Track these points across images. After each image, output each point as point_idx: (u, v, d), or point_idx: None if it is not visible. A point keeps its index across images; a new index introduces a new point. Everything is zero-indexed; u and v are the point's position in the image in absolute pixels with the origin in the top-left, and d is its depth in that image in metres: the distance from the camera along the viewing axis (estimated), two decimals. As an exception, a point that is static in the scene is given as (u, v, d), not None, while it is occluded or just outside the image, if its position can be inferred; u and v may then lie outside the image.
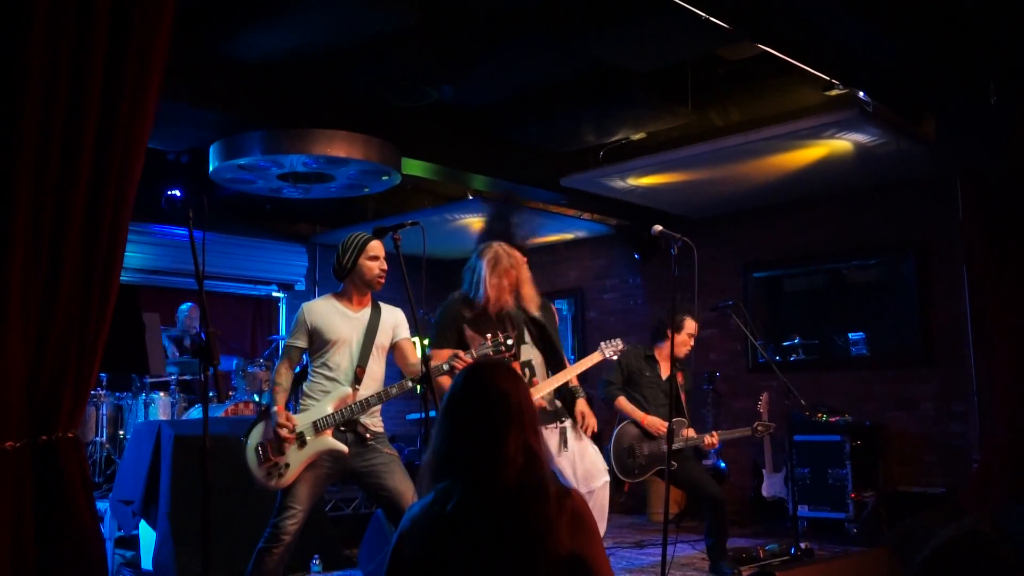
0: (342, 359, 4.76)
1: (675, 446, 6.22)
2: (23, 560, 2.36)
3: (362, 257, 4.77)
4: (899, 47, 5.99)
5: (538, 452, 2.40)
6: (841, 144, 7.45)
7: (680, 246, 5.35)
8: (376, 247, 4.79)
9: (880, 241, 8.95)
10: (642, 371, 6.56)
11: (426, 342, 5.29)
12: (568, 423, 5.62)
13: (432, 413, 4.60)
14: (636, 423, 6.39)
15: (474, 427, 2.39)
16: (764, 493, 8.60)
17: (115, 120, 2.54)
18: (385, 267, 4.81)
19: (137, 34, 2.59)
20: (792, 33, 5.82)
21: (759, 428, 6.67)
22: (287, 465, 4.57)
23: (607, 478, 5.69)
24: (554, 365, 5.62)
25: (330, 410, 4.66)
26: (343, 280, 4.85)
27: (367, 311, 4.87)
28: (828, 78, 6.49)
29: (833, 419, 8.45)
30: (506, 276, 5.40)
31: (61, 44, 2.39)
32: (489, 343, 4.86)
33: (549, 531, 2.31)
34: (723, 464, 9.17)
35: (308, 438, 4.60)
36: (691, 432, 6.25)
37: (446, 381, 4.76)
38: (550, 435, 5.54)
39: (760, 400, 8.63)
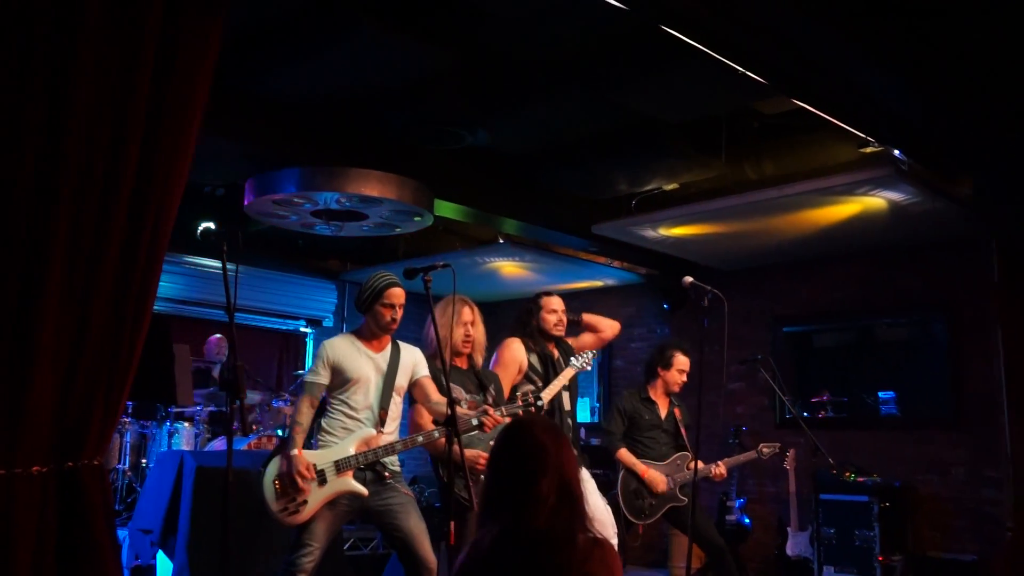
0: (363, 398, 4.76)
1: (683, 480, 6.31)
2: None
3: (377, 303, 4.79)
4: (936, 106, 5.98)
5: (572, 501, 2.59)
6: (875, 201, 7.41)
7: (711, 298, 5.34)
8: (393, 295, 4.80)
9: (912, 300, 8.87)
10: (641, 415, 6.53)
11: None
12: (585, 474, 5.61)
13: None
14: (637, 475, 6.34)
15: (511, 476, 2.62)
16: (789, 552, 8.47)
17: (155, 156, 2.57)
18: (398, 316, 4.82)
19: (180, 73, 2.62)
20: (828, 89, 5.81)
21: (764, 450, 6.64)
22: (305, 502, 4.55)
23: (615, 540, 5.65)
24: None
25: (352, 451, 4.64)
26: (363, 315, 4.88)
27: (387, 351, 4.89)
28: (863, 135, 6.48)
29: (861, 479, 8.33)
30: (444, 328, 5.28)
31: (106, 83, 2.43)
32: (520, 400, 4.88)
33: (571, 572, 2.43)
34: (747, 520, 9.06)
35: (329, 477, 4.58)
36: (699, 464, 6.14)
37: (440, 444, 4.73)
38: None
39: (787, 456, 8.54)
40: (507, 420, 4.80)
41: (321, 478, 4.57)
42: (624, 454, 6.43)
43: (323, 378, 4.74)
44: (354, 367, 4.75)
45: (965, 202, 7.43)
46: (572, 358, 5.70)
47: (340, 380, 4.75)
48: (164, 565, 6.54)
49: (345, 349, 4.80)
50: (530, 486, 2.55)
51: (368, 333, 4.87)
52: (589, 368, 5.78)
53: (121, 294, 2.52)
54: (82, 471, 2.46)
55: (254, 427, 8.69)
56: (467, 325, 5.36)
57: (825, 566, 7.97)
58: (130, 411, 8.31)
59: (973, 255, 8.32)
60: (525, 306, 6.02)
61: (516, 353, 5.72)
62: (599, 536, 2.59)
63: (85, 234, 2.42)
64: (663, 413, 6.56)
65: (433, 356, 5.16)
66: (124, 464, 8.15)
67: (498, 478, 2.67)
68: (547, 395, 5.35)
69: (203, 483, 6.23)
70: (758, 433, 9.61)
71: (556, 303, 5.92)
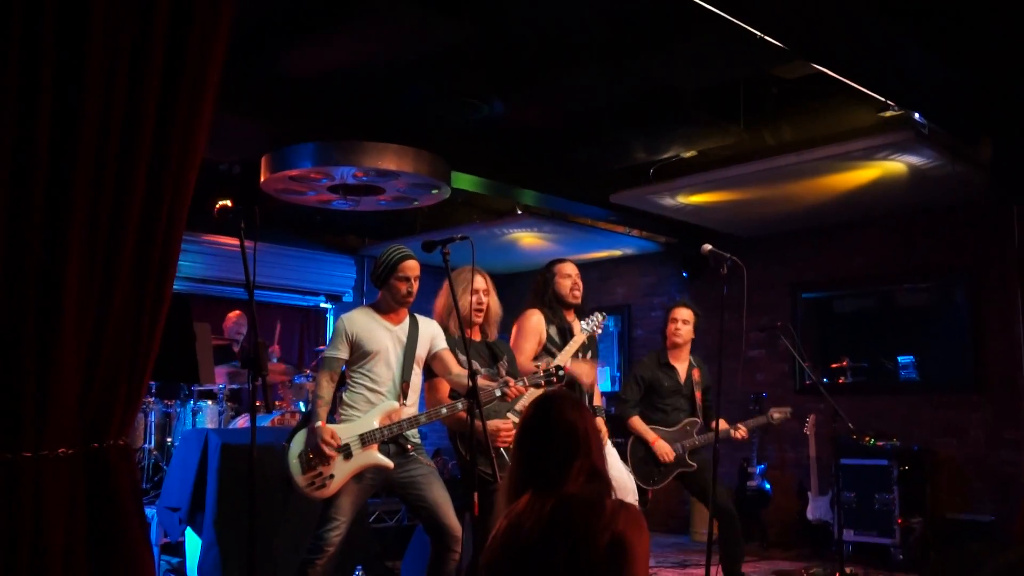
0: (383, 371, 4.77)
1: (692, 446, 6.32)
2: (74, 564, 2.39)
3: (392, 276, 4.78)
4: (956, 70, 5.92)
5: (599, 474, 2.66)
6: (895, 166, 7.36)
7: (730, 265, 5.33)
8: (408, 267, 4.79)
9: (932, 265, 8.83)
10: (660, 381, 6.49)
11: (581, 323, 5.61)
12: None
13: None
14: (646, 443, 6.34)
15: (544, 455, 2.66)
16: (809, 516, 8.50)
17: (170, 135, 2.57)
18: (414, 289, 4.81)
19: (192, 50, 2.62)
20: (847, 53, 5.76)
21: (774, 415, 6.65)
22: (331, 476, 4.58)
23: (635, 501, 5.67)
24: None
25: (376, 424, 4.66)
26: (378, 289, 4.88)
27: (405, 324, 4.89)
28: (883, 99, 6.43)
29: (881, 443, 8.34)
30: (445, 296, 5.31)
31: (118, 61, 2.43)
32: (541, 372, 4.86)
33: (599, 525, 2.49)
34: (768, 486, 9.08)
35: (354, 451, 4.60)
36: (723, 423, 6.09)
37: (462, 417, 4.71)
38: None
39: (807, 422, 8.55)
40: (529, 390, 4.81)
41: (346, 452, 4.59)
42: (635, 422, 6.42)
43: (342, 352, 4.75)
44: (373, 339, 4.76)
45: (986, 166, 7.38)
46: (582, 323, 5.68)
47: (360, 353, 4.76)
48: (192, 541, 6.61)
49: (364, 322, 4.81)
50: (563, 470, 2.60)
51: (385, 307, 4.87)
52: (600, 331, 5.73)
53: (140, 274, 2.53)
54: (108, 451, 2.48)
55: (277, 404, 8.75)
56: (479, 293, 5.32)
57: (845, 529, 7.98)
58: (153, 391, 8.36)
59: (994, 219, 8.28)
60: (539, 276, 6.00)
61: (536, 324, 5.70)
62: (625, 501, 2.63)
63: (103, 215, 2.43)
64: (682, 377, 6.52)
65: (442, 326, 5.18)
66: (149, 444, 8.22)
67: (529, 457, 2.71)
68: (562, 361, 5.35)
69: (228, 460, 6.28)
70: (778, 400, 9.60)
71: (570, 268, 5.90)
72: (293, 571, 4.67)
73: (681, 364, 6.55)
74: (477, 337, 5.36)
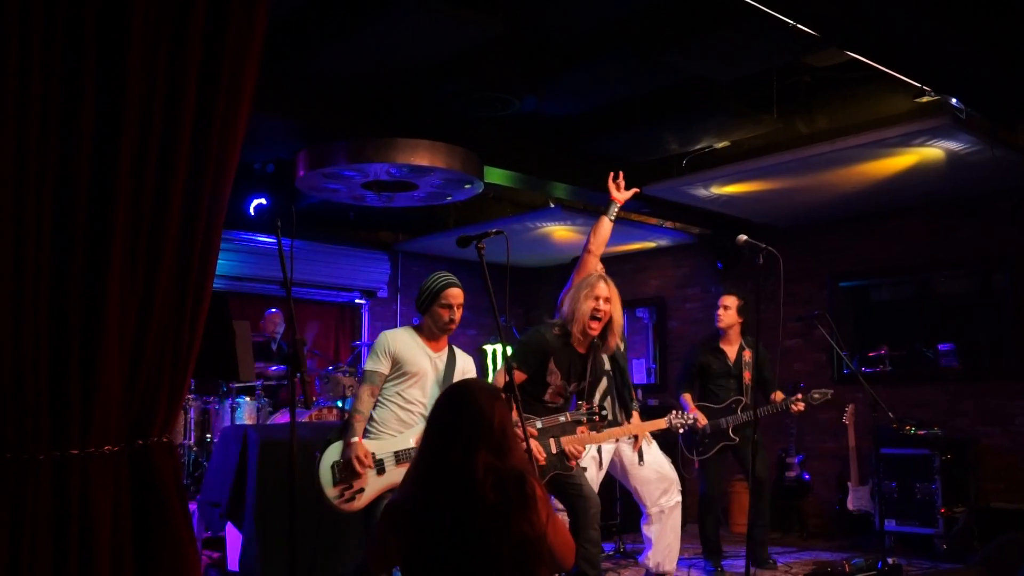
0: (419, 393, 4.77)
1: (736, 421, 6.81)
2: (122, 560, 2.42)
3: (435, 303, 4.78)
4: (993, 53, 5.85)
5: (510, 466, 2.79)
6: (932, 152, 7.28)
7: (765, 255, 5.30)
8: (451, 295, 4.78)
9: (972, 252, 8.74)
10: (710, 365, 7.04)
11: (508, 349, 5.31)
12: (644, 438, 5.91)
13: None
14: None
15: (452, 436, 2.81)
16: (850, 506, 8.44)
17: (208, 134, 2.60)
18: (456, 317, 4.81)
19: (230, 49, 2.64)
20: (881, 40, 5.71)
21: (815, 395, 6.82)
22: (361, 490, 4.58)
23: (679, 497, 5.92)
24: (624, 405, 5.91)
25: (412, 444, 4.67)
26: (421, 315, 4.89)
27: (445, 354, 4.91)
28: (919, 85, 6.36)
29: (922, 432, 8.27)
30: (590, 301, 5.24)
31: (157, 64, 2.46)
32: (584, 411, 4.94)
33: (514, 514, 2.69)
34: (807, 476, 9.03)
35: (388, 467, 4.62)
36: (779, 395, 6.77)
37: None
38: (622, 446, 5.92)
39: (846, 412, 8.51)
40: (535, 433, 4.92)
41: (380, 467, 4.61)
42: (685, 397, 7.03)
43: (384, 367, 4.77)
44: (413, 360, 4.77)
45: (1024, 150, 7.30)
46: (672, 416, 5.91)
47: (397, 372, 4.78)
48: (234, 536, 6.67)
49: (406, 341, 4.83)
50: (468, 451, 2.75)
51: (427, 332, 4.88)
52: (681, 430, 6.01)
53: (181, 273, 2.56)
54: (153, 448, 2.51)
55: (314, 397, 8.80)
56: (599, 300, 5.21)
57: (887, 520, 7.94)
58: (193, 388, 8.45)
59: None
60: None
61: None
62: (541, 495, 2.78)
63: (144, 215, 2.46)
64: (731, 359, 7.01)
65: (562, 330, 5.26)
66: (190, 440, 8.30)
67: (436, 438, 2.87)
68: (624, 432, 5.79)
69: (267, 455, 6.33)
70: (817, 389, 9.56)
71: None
72: (333, 564, 4.71)
73: (731, 347, 7.06)
74: (583, 350, 5.29)
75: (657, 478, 5.95)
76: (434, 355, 4.84)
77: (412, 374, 4.76)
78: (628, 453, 5.96)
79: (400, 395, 4.76)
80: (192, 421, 8.38)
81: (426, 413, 4.77)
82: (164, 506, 2.52)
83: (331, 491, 4.59)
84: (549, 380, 5.12)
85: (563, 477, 5.06)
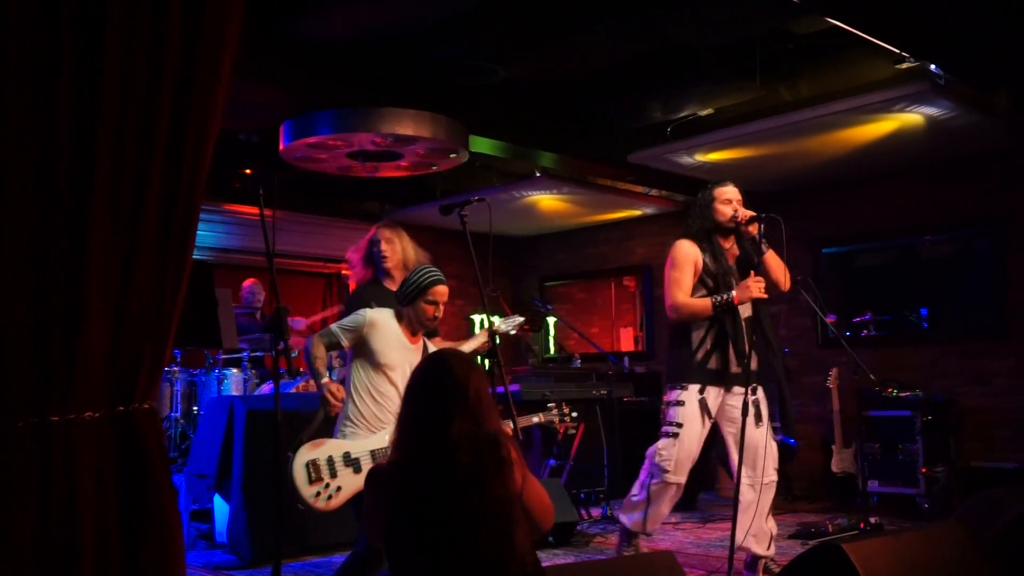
0: (390, 389, 4.60)
1: None
2: (106, 526, 2.45)
3: (421, 298, 4.60)
4: (970, 18, 5.88)
5: (489, 433, 2.85)
6: (912, 118, 7.33)
7: (766, 222, 5.36)
8: (439, 292, 4.62)
9: (954, 216, 8.81)
10: None
11: (494, 319, 5.32)
12: (760, 394, 5.50)
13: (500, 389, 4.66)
14: None
15: (429, 406, 2.89)
16: (834, 468, 8.54)
17: (189, 100, 2.60)
18: (440, 314, 4.67)
19: (210, 12, 2.64)
20: (861, 6, 5.73)
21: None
22: (338, 488, 4.43)
23: (775, 477, 5.60)
24: None
25: (388, 442, 4.54)
26: (403, 307, 4.69)
27: (420, 347, 4.74)
28: (898, 51, 6.39)
29: (904, 394, 8.35)
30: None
31: (137, 26, 2.46)
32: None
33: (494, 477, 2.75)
34: (792, 440, 9.11)
35: (364, 465, 4.47)
36: None
37: None
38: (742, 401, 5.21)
39: (830, 376, 8.59)
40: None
41: (356, 466, 4.46)
42: None
43: (347, 341, 4.60)
44: (388, 352, 4.61)
45: (1003, 115, 7.34)
46: (498, 321, 5.39)
47: (370, 360, 4.61)
48: (221, 508, 6.72)
49: (387, 329, 4.64)
50: (446, 419, 2.82)
51: (408, 323, 4.69)
52: (513, 332, 5.52)
53: (162, 238, 2.57)
54: (135, 414, 2.52)
55: (301, 368, 8.81)
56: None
57: (870, 480, 8.04)
58: (179, 360, 8.46)
59: (1015, 168, 8.26)
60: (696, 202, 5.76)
61: (688, 253, 5.55)
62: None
63: (125, 178, 2.47)
64: None
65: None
66: (176, 412, 8.33)
67: (414, 409, 2.95)
68: (469, 346, 5.23)
69: (254, 426, 6.38)
70: (801, 355, 9.64)
71: (731, 191, 5.59)
72: (320, 533, 4.68)
73: None
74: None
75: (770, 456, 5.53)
76: (411, 347, 4.66)
77: (385, 365, 4.59)
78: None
79: (374, 388, 4.60)
80: (179, 393, 8.41)
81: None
82: (148, 472, 2.54)
83: (307, 490, 4.37)
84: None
85: None
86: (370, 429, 4.58)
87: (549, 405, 5.25)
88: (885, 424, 8.19)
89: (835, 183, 9.46)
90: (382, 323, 4.64)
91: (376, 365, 4.60)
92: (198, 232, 2.78)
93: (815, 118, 7.34)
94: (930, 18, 5.95)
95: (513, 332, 5.50)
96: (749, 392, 5.26)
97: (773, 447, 5.50)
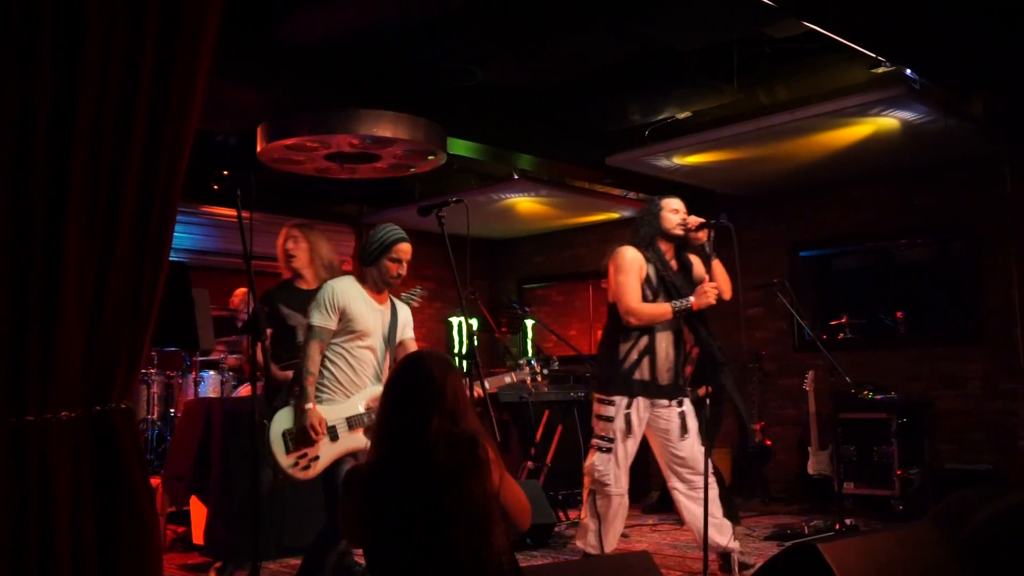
0: (367, 353, 4.64)
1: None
2: (82, 525, 2.44)
3: (385, 256, 4.62)
4: (946, 25, 5.93)
5: (466, 433, 2.86)
6: (888, 122, 7.38)
7: (722, 224, 5.36)
8: (401, 250, 4.64)
9: (929, 220, 8.88)
10: None
11: (472, 321, 5.31)
12: (687, 406, 5.54)
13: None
14: None
15: (405, 406, 2.91)
16: (810, 471, 8.58)
17: (166, 97, 2.60)
18: (404, 272, 4.69)
19: (188, 11, 2.64)
20: (838, 11, 5.77)
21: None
22: (316, 458, 4.48)
23: (711, 474, 5.35)
24: None
25: (362, 408, 4.57)
26: (365, 267, 4.72)
27: (388, 306, 4.77)
28: (875, 55, 6.44)
29: (879, 397, 8.41)
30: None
31: (115, 27, 2.46)
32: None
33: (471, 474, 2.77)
34: (769, 442, 9.16)
35: (340, 433, 4.52)
36: None
37: None
38: (670, 413, 5.45)
39: (806, 378, 8.62)
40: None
41: (332, 434, 4.50)
42: None
43: (331, 322, 4.58)
44: (362, 317, 4.61)
45: (978, 120, 7.40)
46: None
47: (346, 329, 4.60)
48: (199, 510, 6.68)
49: (354, 296, 4.63)
50: (421, 419, 2.84)
51: (372, 284, 4.70)
52: (416, 304, 5.46)
53: (139, 238, 2.57)
54: (112, 414, 2.53)
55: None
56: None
57: (845, 482, 8.08)
58: (156, 363, 8.42)
59: (990, 173, 8.33)
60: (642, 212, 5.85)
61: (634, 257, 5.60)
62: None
63: (101, 178, 2.47)
64: None
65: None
66: (153, 415, 8.28)
67: (392, 409, 2.95)
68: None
69: (231, 428, 6.35)
70: (777, 357, 9.68)
71: (677, 203, 5.68)
72: (298, 533, 4.69)
73: None
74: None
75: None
76: (380, 307, 4.69)
77: (361, 332, 4.60)
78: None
79: (348, 354, 4.61)
80: (156, 396, 8.36)
81: (377, 373, 4.70)
82: (124, 472, 2.54)
83: (285, 460, 4.44)
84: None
85: None
86: (346, 394, 4.62)
87: (520, 362, 5.27)
88: (861, 426, 8.23)
89: (812, 187, 9.51)
90: (349, 289, 4.67)
91: (351, 332, 4.62)
92: (175, 234, 2.78)
93: (792, 122, 7.38)
94: (906, 23, 6.00)
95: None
96: (676, 404, 5.47)
97: (701, 449, 5.45)
